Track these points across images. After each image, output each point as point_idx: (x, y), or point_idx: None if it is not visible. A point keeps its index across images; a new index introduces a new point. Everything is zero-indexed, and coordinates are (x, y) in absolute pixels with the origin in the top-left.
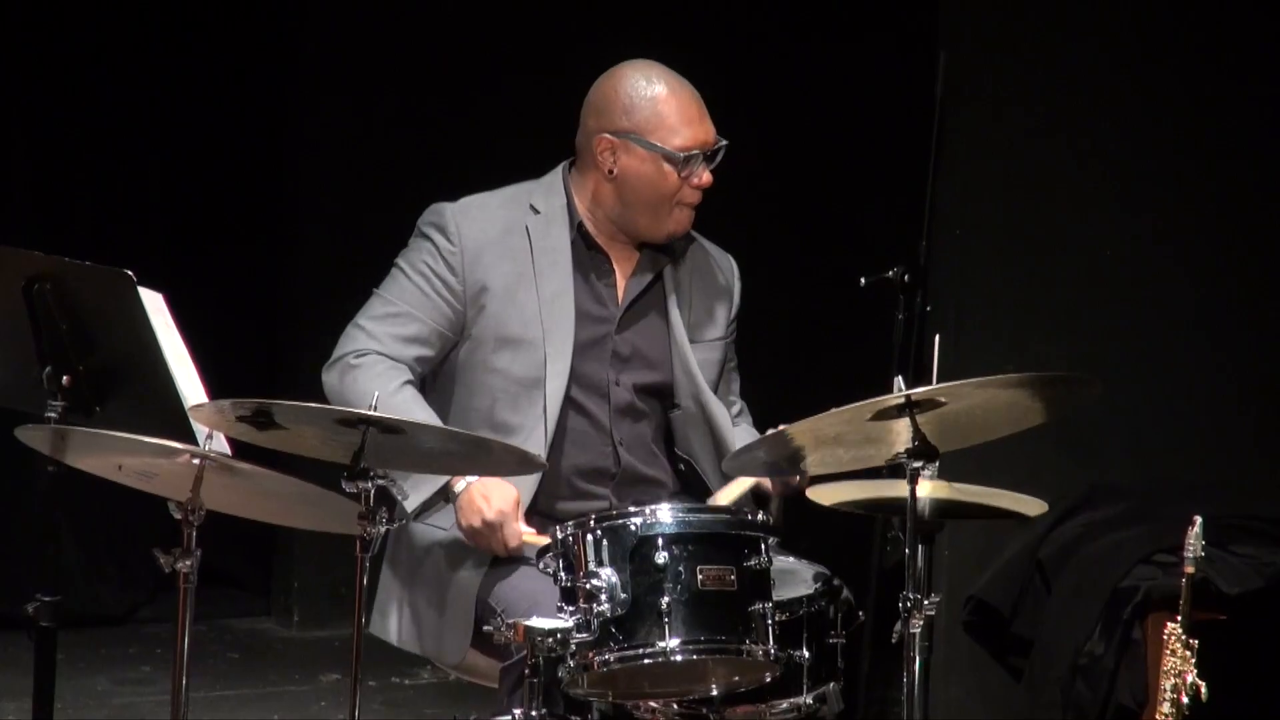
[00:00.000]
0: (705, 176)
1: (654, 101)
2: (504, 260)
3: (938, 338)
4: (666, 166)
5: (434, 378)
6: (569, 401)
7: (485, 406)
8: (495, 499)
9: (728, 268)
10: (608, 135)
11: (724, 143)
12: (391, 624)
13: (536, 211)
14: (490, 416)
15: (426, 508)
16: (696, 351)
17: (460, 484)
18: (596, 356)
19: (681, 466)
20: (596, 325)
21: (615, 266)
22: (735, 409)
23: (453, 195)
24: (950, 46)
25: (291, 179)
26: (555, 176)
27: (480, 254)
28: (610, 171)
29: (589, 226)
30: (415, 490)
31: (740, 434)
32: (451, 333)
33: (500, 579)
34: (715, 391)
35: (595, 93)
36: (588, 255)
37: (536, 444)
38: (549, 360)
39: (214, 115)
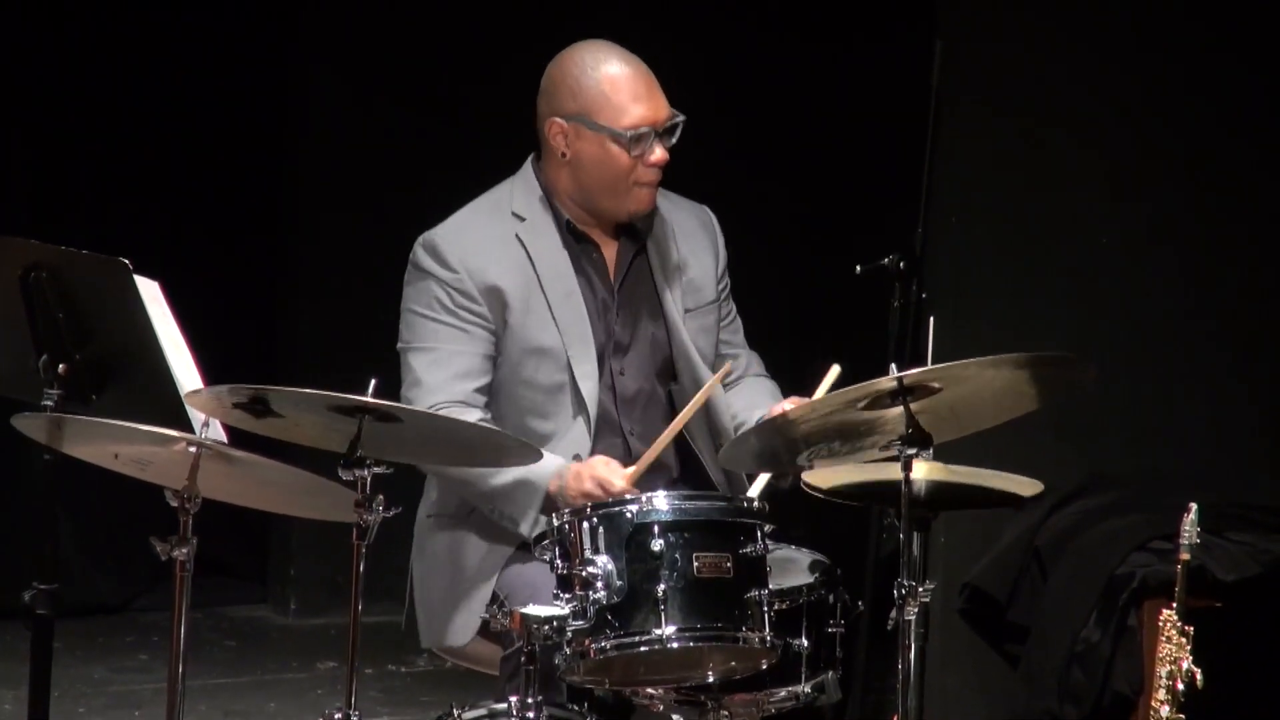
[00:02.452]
0: (658, 154)
1: (599, 82)
2: (508, 275)
3: (932, 325)
4: (615, 147)
5: None
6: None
7: (515, 416)
8: (586, 477)
9: (706, 221)
10: (558, 119)
11: (680, 118)
12: (420, 626)
13: (521, 218)
14: (520, 426)
15: (537, 526)
16: (690, 321)
17: (554, 486)
18: (605, 350)
19: (687, 452)
20: (600, 318)
21: (603, 252)
22: (743, 362)
23: (452, 185)
24: (947, 35)
25: (289, 168)
26: (526, 173)
27: (485, 271)
28: (564, 155)
29: (572, 218)
30: (524, 519)
31: (749, 388)
32: (495, 351)
33: (509, 568)
34: (716, 353)
35: (546, 77)
36: (580, 249)
37: (576, 445)
38: (574, 362)
39: (212, 103)
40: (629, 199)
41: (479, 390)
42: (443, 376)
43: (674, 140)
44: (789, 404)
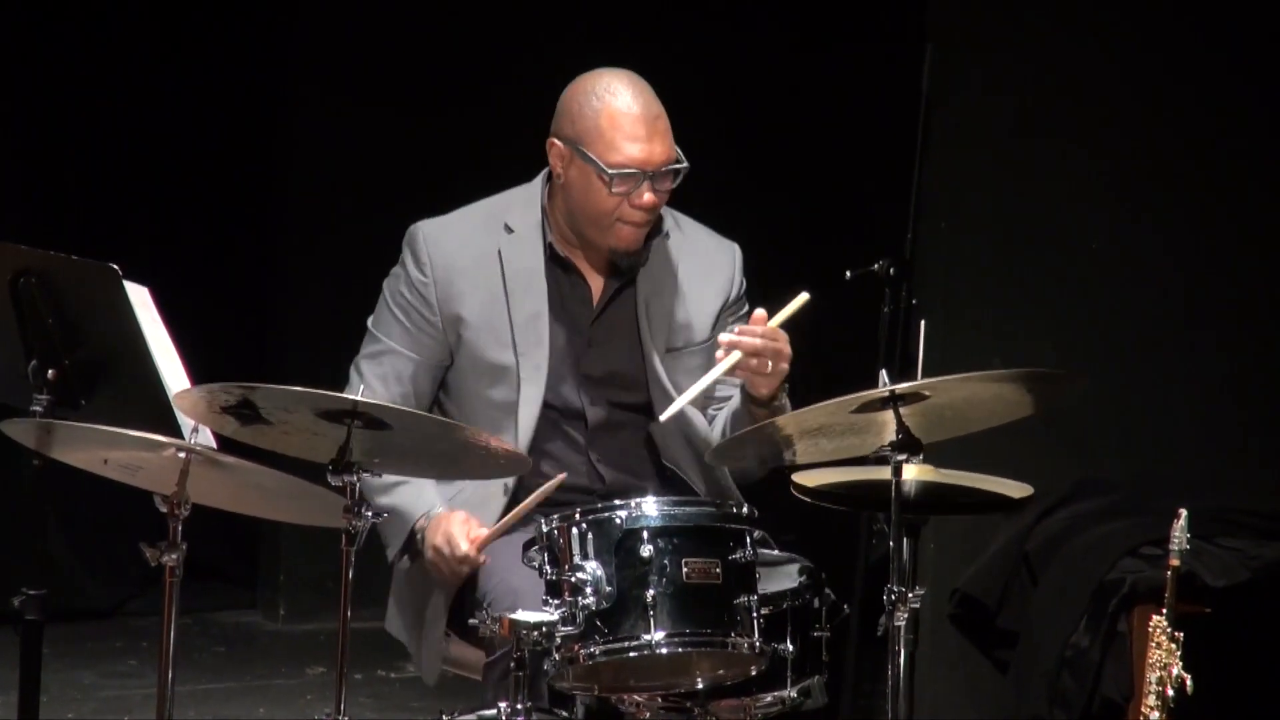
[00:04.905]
0: (646, 198)
1: (598, 113)
2: (477, 289)
3: (922, 331)
4: (598, 182)
5: (440, 399)
6: (549, 425)
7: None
8: (439, 531)
9: (724, 259)
10: (557, 141)
11: (680, 165)
12: (393, 620)
13: (510, 230)
14: None
15: (406, 553)
16: (676, 360)
17: (420, 524)
18: (570, 379)
19: (668, 475)
20: (570, 346)
21: (589, 282)
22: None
23: (443, 191)
24: (937, 40)
25: (279, 175)
26: (535, 186)
27: (452, 282)
28: (559, 177)
29: (558, 243)
30: (391, 546)
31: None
32: (440, 359)
33: (485, 571)
34: (708, 393)
35: (562, 96)
36: (563, 275)
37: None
38: (522, 385)
39: (202, 109)
40: (611, 234)
41: (409, 396)
42: (378, 373)
43: (673, 185)
44: (749, 329)
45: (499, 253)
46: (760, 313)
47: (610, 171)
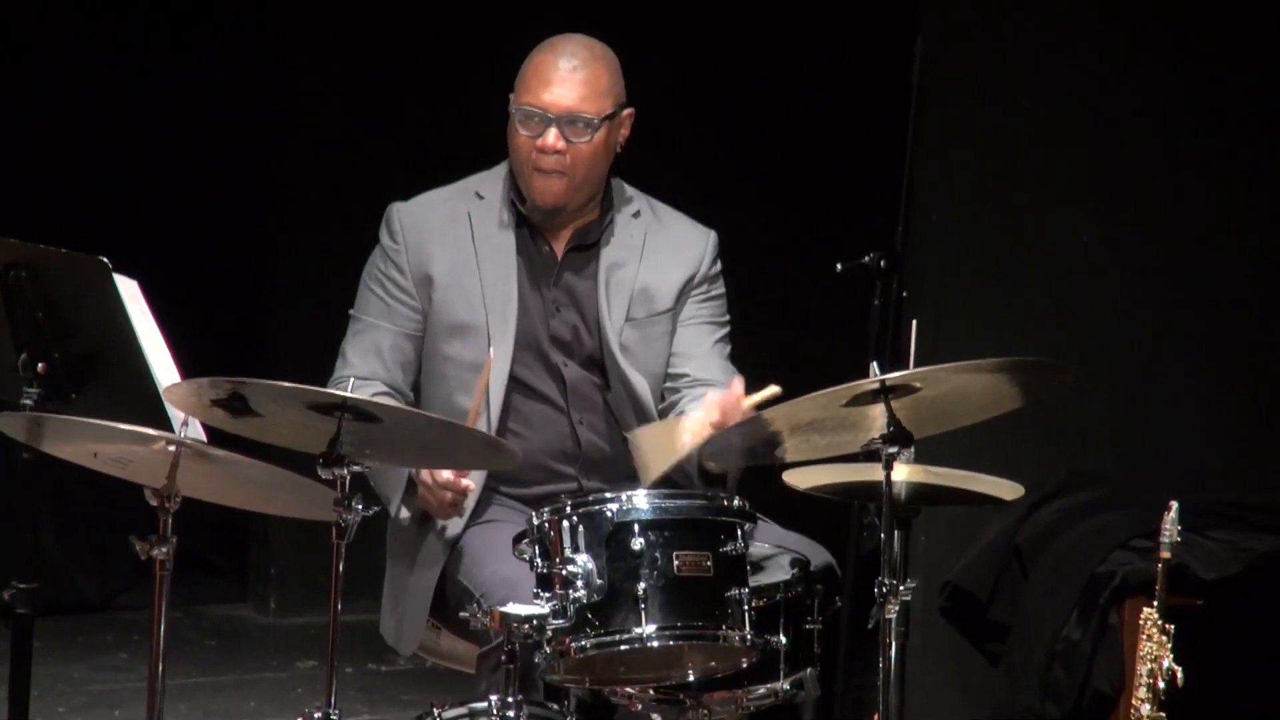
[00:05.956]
0: (546, 139)
1: (528, 63)
2: (446, 250)
3: (914, 323)
4: (513, 123)
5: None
6: (522, 386)
7: (444, 394)
8: (422, 470)
9: (697, 239)
10: (510, 94)
11: (586, 116)
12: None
13: (480, 197)
14: (448, 403)
15: (410, 503)
16: (635, 329)
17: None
18: (540, 339)
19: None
20: (538, 308)
21: (554, 247)
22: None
23: (433, 182)
24: (927, 32)
25: (270, 168)
26: (504, 162)
27: (422, 246)
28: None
29: (521, 207)
30: (393, 493)
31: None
32: (416, 328)
33: (475, 562)
34: (669, 365)
35: None
36: (529, 239)
37: (482, 427)
38: (492, 344)
39: (193, 102)
40: (531, 186)
41: (394, 366)
42: (359, 349)
43: (585, 138)
44: (715, 410)
45: (468, 216)
46: (738, 390)
47: (512, 109)
